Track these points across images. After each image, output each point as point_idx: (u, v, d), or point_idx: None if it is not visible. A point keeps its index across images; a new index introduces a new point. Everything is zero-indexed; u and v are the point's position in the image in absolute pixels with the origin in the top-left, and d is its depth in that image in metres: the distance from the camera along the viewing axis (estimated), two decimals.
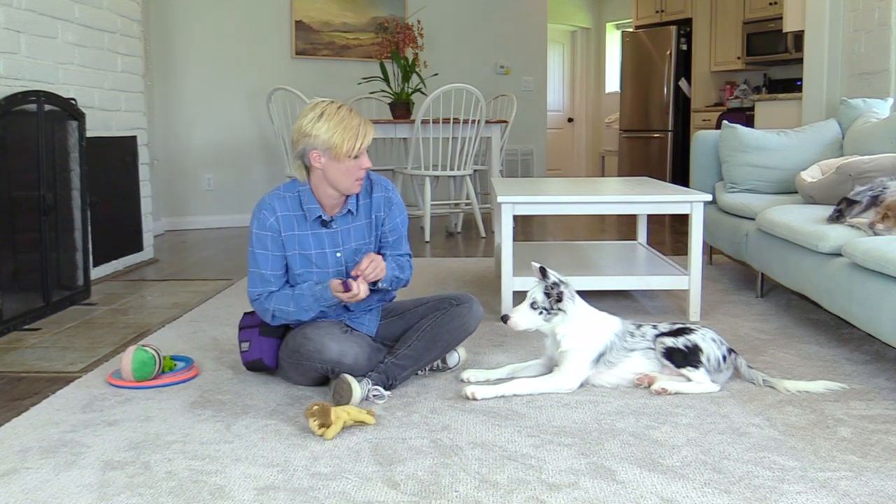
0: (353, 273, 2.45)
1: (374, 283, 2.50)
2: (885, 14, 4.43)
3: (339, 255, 2.56)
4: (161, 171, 6.45)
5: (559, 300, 2.51)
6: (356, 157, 2.43)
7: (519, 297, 3.03)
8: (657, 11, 9.15)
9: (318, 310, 2.50)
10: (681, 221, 6.64)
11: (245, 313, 2.73)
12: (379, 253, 2.61)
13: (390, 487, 1.86)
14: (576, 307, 2.55)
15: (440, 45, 7.43)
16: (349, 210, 2.56)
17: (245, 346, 2.65)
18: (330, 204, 2.53)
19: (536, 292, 2.53)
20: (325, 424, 2.14)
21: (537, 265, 2.54)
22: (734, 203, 4.02)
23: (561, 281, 2.53)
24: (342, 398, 2.35)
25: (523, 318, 2.53)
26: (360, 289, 2.40)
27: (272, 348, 2.60)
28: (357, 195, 2.57)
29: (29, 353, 3.02)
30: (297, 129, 2.45)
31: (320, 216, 2.52)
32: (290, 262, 2.53)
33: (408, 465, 1.99)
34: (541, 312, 2.52)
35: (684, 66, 8.75)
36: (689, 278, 3.41)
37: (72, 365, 2.87)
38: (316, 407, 2.16)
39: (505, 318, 2.55)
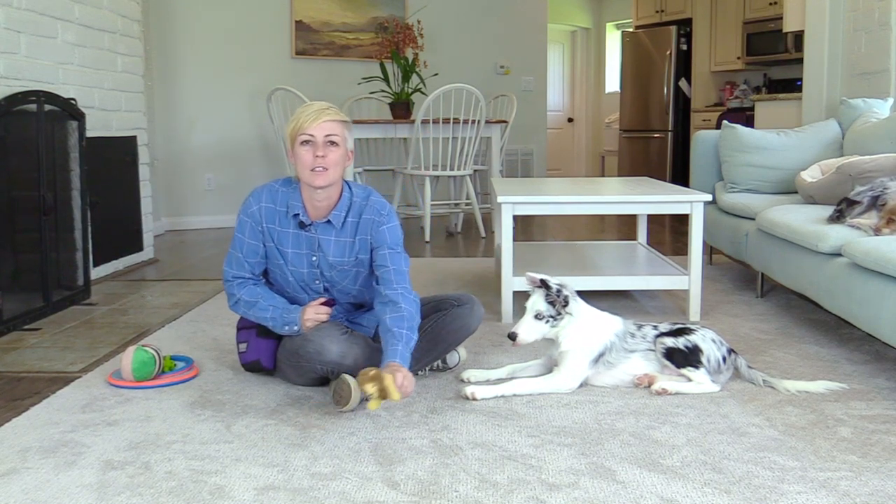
0: (398, 394, 2.18)
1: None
2: (885, 14, 4.43)
3: (314, 258, 2.51)
4: (161, 170, 6.45)
5: (566, 304, 2.50)
6: (306, 142, 2.38)
7: (519, 297, 3.03)
8: (657, 11, 9.15)
9: (278, 326, 2.49)
10: (681, 221, 6.64)
11: None
12: (371, 274, 2.54)
13: (390, 487, 1.86)
14: (579, 306, 2.56)
15: (440, 45, 7.43)
16: (329, 220, 2.48)
17: (243, 346, 2.65)
18: (315, 207, 2.48)
19: (538, 303, 2.49)
20: (383, 395, 2.15)
21: (537, 276, 2.51)
22: (734, 203, 4.02)
23: (560, 285, 2.53)
24: (342, 399, 2.34)
25: (530, 331, 2.50)
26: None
27: (270, 349, 2.60)
28: (346, 211, 2.49)
29: (29, 353, 3.02)
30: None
31: (297, 215, 2.48)
32: (269, 252, 2.53)
33: (408, 465, 1.99)
34: (546, 321, 2.50)
35: (684, 66, 8.74)
36: (689, 278, 3.41)
37: (72, 365, 2.87)
38: (372, 372, 2.18)
39: (513, 336, 2.49)
